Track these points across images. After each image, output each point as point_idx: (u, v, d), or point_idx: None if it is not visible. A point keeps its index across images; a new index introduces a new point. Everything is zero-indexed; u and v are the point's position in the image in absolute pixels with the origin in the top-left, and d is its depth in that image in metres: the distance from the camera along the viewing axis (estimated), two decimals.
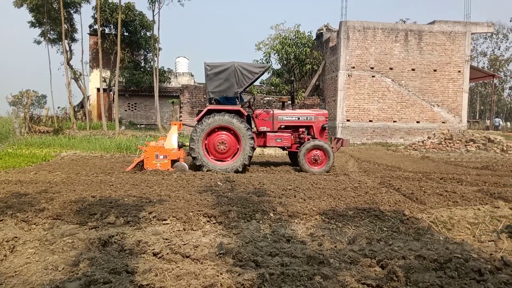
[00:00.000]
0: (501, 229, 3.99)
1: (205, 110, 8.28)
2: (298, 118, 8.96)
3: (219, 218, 4.23)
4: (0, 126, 18.65)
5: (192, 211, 4.35)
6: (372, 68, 19.59)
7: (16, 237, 3.51)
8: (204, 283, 2.63)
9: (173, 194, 5.27)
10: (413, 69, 19.71)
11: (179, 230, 3.92)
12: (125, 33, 28.39)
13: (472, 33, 20.35)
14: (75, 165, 8.99)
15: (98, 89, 26.26)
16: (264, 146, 8.99)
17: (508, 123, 42.34)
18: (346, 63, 19.52)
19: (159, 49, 27.33)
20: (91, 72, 30.19)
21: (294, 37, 23.68)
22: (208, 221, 4.19)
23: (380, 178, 7.66)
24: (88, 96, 29.27)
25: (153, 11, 25.36)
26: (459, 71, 19.90)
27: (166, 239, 3.60)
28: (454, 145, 16.49)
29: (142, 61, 31.44)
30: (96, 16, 24.25)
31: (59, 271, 2.87)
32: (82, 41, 27.22)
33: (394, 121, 19.85)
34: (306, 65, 23.35)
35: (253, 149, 8.31)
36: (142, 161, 8.15)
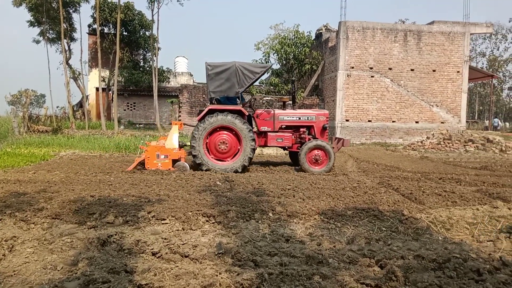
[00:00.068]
0: (500, 229, 4.00)
1: (206, 109, 8.28)
2: (299, 118, 8.96)
3: (218, 217, 4.23)
4: None
5: (191, 211, 4.35)
6: (371, 68, 19.61)
7: (14, 237, 3.51)
8: (203, 283, 2.63)
9: (172, 194, 5.27)
10: (412, 69, 19.73)
11: (178, 230, 3.92)
12: (124, 33, 28.34)
13: (471, 34, 20.37)
14: (74, 164, 8.97)
15: (97, 89, 26.25)
16: (265, 146, 8.99)
17: (507, 124, 42.40)
18: (345, 63, 19.52)
19: (158, 48, 27.29)
20: (90, 72, 30.14)
21: (293, 37, 23.66)
22: (207, 221, 4.19)
23: (379, 178, 7.66)
24: (87, 95, 29.23)
25: (152, 10, 25.36)
26: (458, 72, 19.93)
27: (165, 238, 3.60)
28: (453, 145, 16.52)
29: (141, 60, 31.42)
30: (95, 15, 24.21)
31: (58, 270, 2.86)
32: (81, 41, 27.09)
33: (393, 121, 19.86)
34: (305, 65, 23.35)
35: (254, 150, 8.31)
36: (143, 160, 8.15)
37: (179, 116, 22.95)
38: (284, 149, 9.57)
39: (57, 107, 47.44)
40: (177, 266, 2.96)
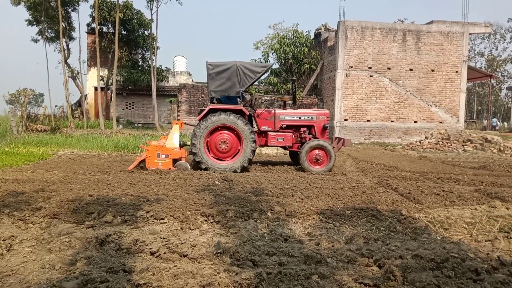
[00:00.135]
0: (498, 228, 4.01)
1: (207, 109, 8.28)
2: (300, 118, 8.97)
3: (216, 217, 4.23)
4: None
5: (189, 210, 4.34)
6: (370, 68, 19.62)
7: (13, 236, 3.50)
8: (201, 282, 2.62)
9: (171, 193, 5.27)
10: (411, 69, 19.76)
11: (176, 229, 3.91)
12: (123, 32, 28.30)
13: (470, 34, 20.40)
14: (72, 164, 8.96)
15: (96, 88, 26.21)
16: (266, 145, 9.00)
17: (505, 123, 42.49)
18: (344, 62, 19.53)
19: (157, 48, 27.27)
20: (89, 71, 30.10)
21: (292, 36, 23.67)
22: (205, 220, 4.19)
23: (377, 177, 7.67)
24: (86, 94, 29.16)
25: (151, 9, 25.32)
26: (456, 71, 19.96)
27: (164, 238, 3.60)
28: (451, 145, 16.55)
29: (140, 60, 31.37)
30: (94, 14, 24.18)
31: (56, 270, 2.86)
32: (79, 40, 27.03)
33: (391, 121, 19.89)
34: (304, 65, 23.36)
35: (254, 152, 8.32)
36: (144, 160, 8.15)
37: (178, 115, 22.94)
38: (284, 149, 9.58)
39: (56, 106, 47.41)
40: (176, 265, 2.96)
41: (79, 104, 30.93)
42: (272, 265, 2.97)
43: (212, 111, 8.23)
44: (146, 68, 29.56)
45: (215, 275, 2.75)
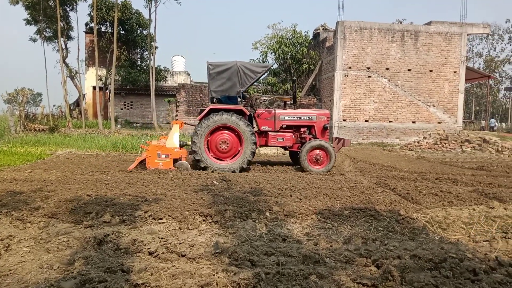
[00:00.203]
0: (496, 229, 4.02)
1: (207, 109, 8.28)
2: (300, 118, 8.98)
3: (215, 217, 4.23)
4: None
5: (188, 210, 4.34)
6: (368, 68, 19.64)
7: (10, 236, 3.50)
8: (199, 282, 2.62)
9: (169, 193, 5.26)
10: (409, 70, 19.79)
11: (174, 229, 3.91)
12: (121, 32, 28.26)
13: (468, 34, 20.43)
14: (70, 163, 8.94)
15: (94, 88, 26.16)
16: (266, 145, 9.00)
17: (503, 124, 42.61)
18: (343, 63, 19.55)
19: (156, 47, 27.25)
20: (87, 71, 30.04)
21: (291, 36, 23.68)
22: (204, 220, 4.19)
23: (375, 178, 7.68)
24: (84, 94, 29.13)
25: (150, 9, 25.27)
26: (455, 72, 20.00)
27: (162, 238, 3.60)
28: (449, 145, 16.58)
29: (138, 59, 31.33)
30: (92, 14, 24.13)
31: (54, 270, 2.85)
32: (78, 39, 27.07)
33: (390, 121, 19.91)
34: (302, 65, 23.36)
35: (254, 154, 8.31)
36: (144, 160, 8.15)
37: (176, 115, 22.91)
38: (284, 149, 9.58)
39: (54, 106, 47.29)
40: (174, 265, 2.96)
41: (77, 103, 30.85)
42: (271, 265, 2.98)
43: (213, 111, 8.24)
44: (145, 67, 29.53)
45: (214, 275, 2.75)
